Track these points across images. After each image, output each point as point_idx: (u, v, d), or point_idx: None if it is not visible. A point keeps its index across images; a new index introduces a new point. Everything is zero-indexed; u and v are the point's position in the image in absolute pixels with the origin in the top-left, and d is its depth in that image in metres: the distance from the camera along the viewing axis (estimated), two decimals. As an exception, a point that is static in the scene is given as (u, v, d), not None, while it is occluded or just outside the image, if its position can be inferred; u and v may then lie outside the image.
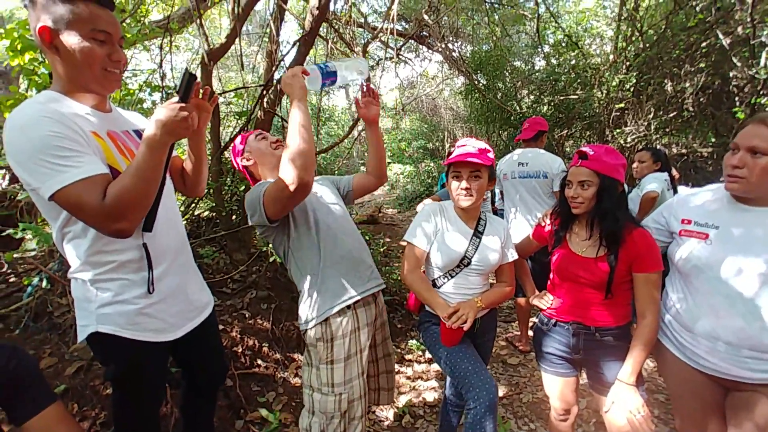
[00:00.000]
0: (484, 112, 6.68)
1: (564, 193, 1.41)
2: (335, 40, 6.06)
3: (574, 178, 1.35)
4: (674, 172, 3.05)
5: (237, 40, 2.70)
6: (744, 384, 1.11)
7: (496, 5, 6.03)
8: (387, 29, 3.98)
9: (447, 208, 1.55)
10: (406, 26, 7.78)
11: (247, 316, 2.60)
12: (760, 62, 3.71)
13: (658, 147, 3.24)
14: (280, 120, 3.31)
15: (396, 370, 2.76)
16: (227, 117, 3.45)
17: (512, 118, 5.77)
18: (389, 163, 12.19)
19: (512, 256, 1.54)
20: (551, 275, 1.52)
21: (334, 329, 1.29)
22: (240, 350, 2.35)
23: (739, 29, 4.12)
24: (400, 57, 6.31)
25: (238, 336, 2.41)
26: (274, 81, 2.75)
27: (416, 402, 2.40)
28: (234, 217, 3.23)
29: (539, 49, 6.70)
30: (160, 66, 2.60)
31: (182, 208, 3.12)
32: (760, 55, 3.76)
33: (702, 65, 4.49)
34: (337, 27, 5.34)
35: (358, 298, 1.34)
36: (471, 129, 9.47)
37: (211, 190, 2.91)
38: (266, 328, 2.59)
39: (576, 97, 5.39)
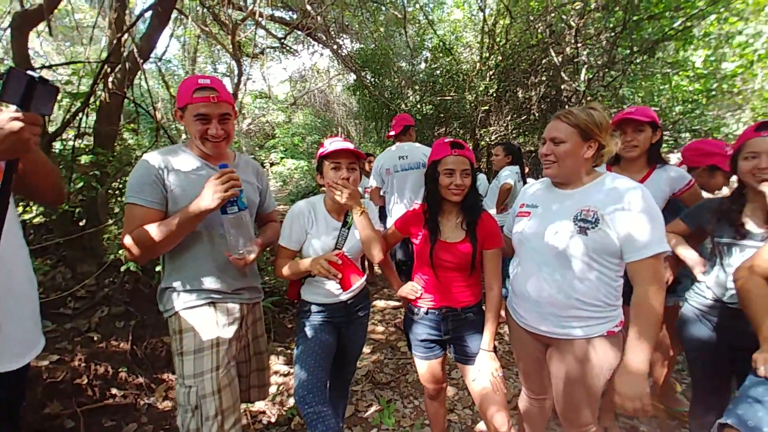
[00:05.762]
0: (372, 109, 6.89)
1: (437, 183, 1.40)
2: (209, 20, 5.48)
3: (458, 166, 1.36)
4: (525, 166, 3.61)
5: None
6: (555, 340, 1.28)
7: (382, 7, 6.24)
8: (265, 14, 3.75)
9: (315, 203, 1.54)
10: (294, 16, 7.49)
11: (95, 339, 2.16)
12: (580, 77, 4.64)
13: (513, 143, 3.78)
14: (132, 105, 2.81)
15: (286, 372, 2.66)
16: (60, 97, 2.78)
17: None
18: (282, 158, 11.66)
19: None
20: (415, 264, 1.58)
21: (183, 322, 1.30)
22: (85, 382, 1.94)
23: (567, 50, 5.09)
24: (285, 47, 6.04)
25: (83, 365, 1.99)
26: (122, 57, 2.31)
27: (306, 401, 2.34)
28: (75, 219, 2.64)
29: (421, 52, 7.20)
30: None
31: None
32: (581, 71, 4.71)
33: (543, 78, 5.41)
34: (210, 6, 4.83)
35: (212, 299, 1.33)
36: (362, 125, 9.68)
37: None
38: (124, 350, 2.20)
39: (451, 98, 5.96)
